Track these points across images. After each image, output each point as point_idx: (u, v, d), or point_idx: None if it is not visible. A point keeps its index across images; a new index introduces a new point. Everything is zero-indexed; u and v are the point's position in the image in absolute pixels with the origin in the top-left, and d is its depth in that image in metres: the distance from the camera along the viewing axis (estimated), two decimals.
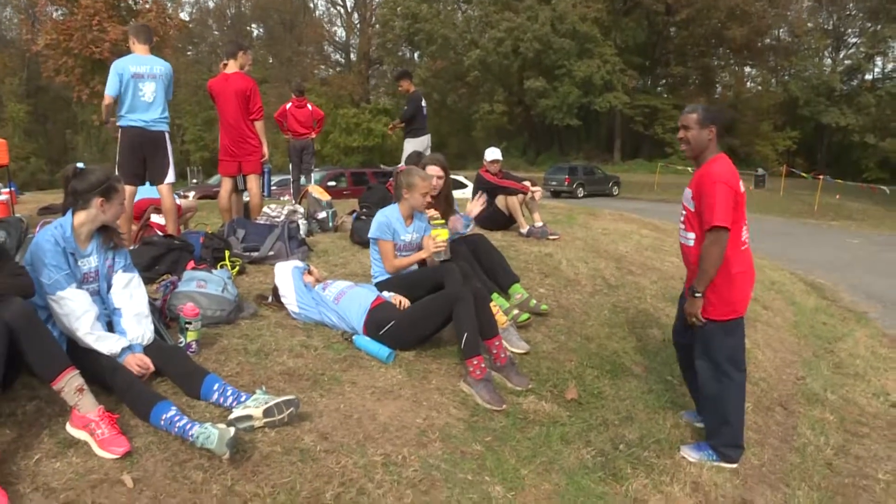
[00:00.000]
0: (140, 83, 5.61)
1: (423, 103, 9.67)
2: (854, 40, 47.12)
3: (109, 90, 5.57)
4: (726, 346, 3.71)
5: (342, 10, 59.91)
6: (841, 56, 47.66)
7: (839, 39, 47.73)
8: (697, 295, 3.59)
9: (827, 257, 13.67)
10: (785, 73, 48.03)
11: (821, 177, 27.34)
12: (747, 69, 51.24)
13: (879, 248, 15.61)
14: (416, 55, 52.44)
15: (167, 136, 5.79)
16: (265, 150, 6.62)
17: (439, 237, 4.41)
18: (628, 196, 31.68)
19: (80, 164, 3.26)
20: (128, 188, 5.32)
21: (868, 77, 45.94)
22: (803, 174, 29.86)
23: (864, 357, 6.53)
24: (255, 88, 6.49)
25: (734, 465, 3.79)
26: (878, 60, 45.81)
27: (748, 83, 52.31)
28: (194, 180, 34.13)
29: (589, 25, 40.51)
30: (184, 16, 44.18)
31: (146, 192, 6.19)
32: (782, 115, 46.50)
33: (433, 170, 5.37)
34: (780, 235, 17.22)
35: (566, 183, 30.77)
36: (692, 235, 3.67)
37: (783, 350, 6.13)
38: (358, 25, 57.72)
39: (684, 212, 3.75)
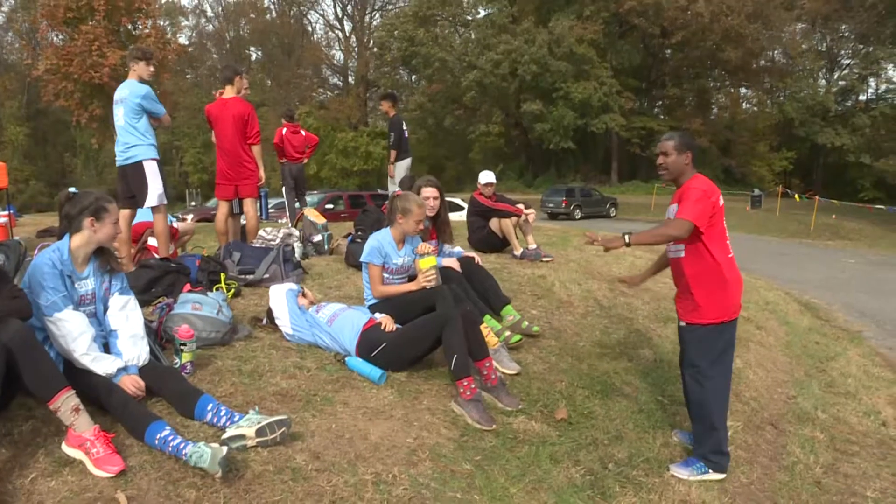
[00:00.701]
0: (115, 108, 5.79)
1: (405, 126, 9.82)
2: (847, 61, 47.67)
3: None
4: (716, 348, 3.87)
5: (340, 34, 60.60)
6: (835, 77, 48.20)
7: (833, 61, 48.26)
8: (626, 238, 3.83)
9: (822, 277, 13.73)
10: (780, 94, 48.54)
11: (815, 197, 27.42)
12: (743, 90, 51.76)
13: (875, 268, 15.69)
14: (413, 78, 52.85)
15: (143, 163, 5.76)
16: (262, 173, 6.70)
17: (427, 266, 4.46)
18: (626, 217, 31.81)
19: (72, 189, 3.35)
20: (123, 212, 5.41)
21: (862, 97, 46.63)
22: (796, 196, 30.01)
23: (857, 376, 6.57)
24: (253, 113, 6.59)
25: (723, 475, 3.88)
26: (872, 81, 46.42)
27: (744, 104, 52.83)
28: (192, 203, 34.29)
29: (585, 48, 40.87)
30: (182, 40, 44.64)
31: (143, 215, 6.26)
32: (778, 135, 46.93)
33: (428, 191, 5.45)
34: (775, 256, 17.32)
35: (563, 205, 30.90)
36: (681, 247, 3.87)
37: (775, 370, 6.18)
38: (356, 49, 58.22)
39: None
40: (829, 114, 43.98)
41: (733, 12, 38.99)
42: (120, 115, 5.75)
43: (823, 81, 48.32)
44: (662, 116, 47.44)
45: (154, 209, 5.82)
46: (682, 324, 3.98)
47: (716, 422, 3.87)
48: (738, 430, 4.54)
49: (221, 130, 6.49)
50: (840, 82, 47.09)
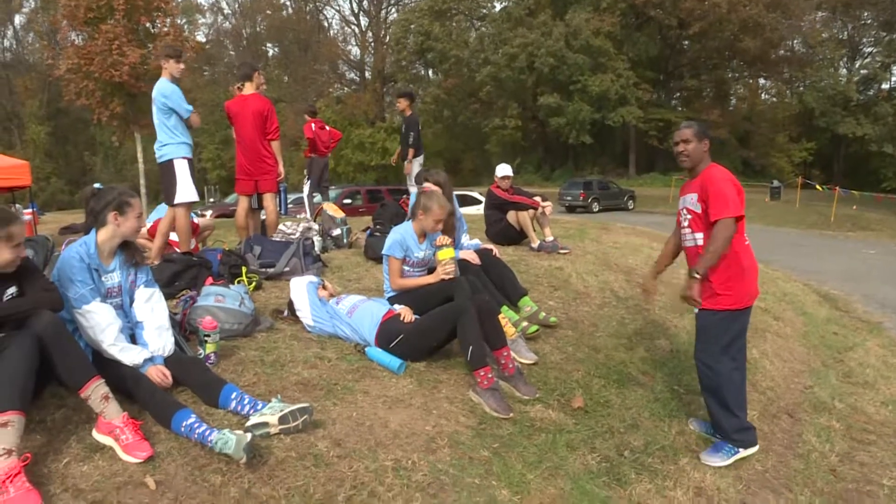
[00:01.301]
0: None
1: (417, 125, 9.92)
2: (869, 50, 47.09)
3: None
4: (730, 332, 3.92)
5: (356, 29, 60.67)
6: (856, 66, 47.68)
7: (854, 49, 47.71)
8: (697, 276, 3.75)
9: (842, 268, 13.64)
10: (800, 84, 47.98)
11: (836, 189, 27.19)
12: (761, 81, 51.24)
13: None
14: (430, 72, 52.89)
15: (173, 161, 5.90)
16: (281, 169, 6.79)
17: (446, 258, 4.53)
18: (644, 210, 31.69)
19: (97, 185, 3.44)
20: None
21: (885, 86, 45.94)
22: (818, 186, 29.74)
23: (875, 366, 6.56)
24: (272, 109, 6.67)
25: (755, 447, 4.06)
26: (895, 69, 45.67)
27: (762, 95, 52.33)
28: (211, 199, 34.53)
29: (602, 40, 40.73)
30: (200, 37, 44.95)
31: (161, 211, 6.38)
32: (798, 126, 46.46)
33: (429, 185, 5.53)
34: (795, 247, 17.22)
35: (581, 198, 30.85)
36: (700, 235, 3.91)
37: (792, 360, 6.19)
38: (372, 44, 58.32)
39: (689, 216, 3.97)
40: (851, 103, 43.46)
41: (751, 1, 38.64)
42: (154, 114, 5.90)
43: (844, 70, 47.81)
44: (680, 108, 47.17)
45: (176, 205, 5.92)
46: (697, 310, 3.96)
47: (733, 407, 3.94)
48: (754, 418, 4.56)
49: (241, 126, 6.58)
50: (862, 71, 46.56)
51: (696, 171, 3.97)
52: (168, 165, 5.90)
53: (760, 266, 10.10)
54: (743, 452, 3.98)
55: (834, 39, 45.85)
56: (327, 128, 11.26)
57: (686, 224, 4.01)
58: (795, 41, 46.07)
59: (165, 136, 5.88)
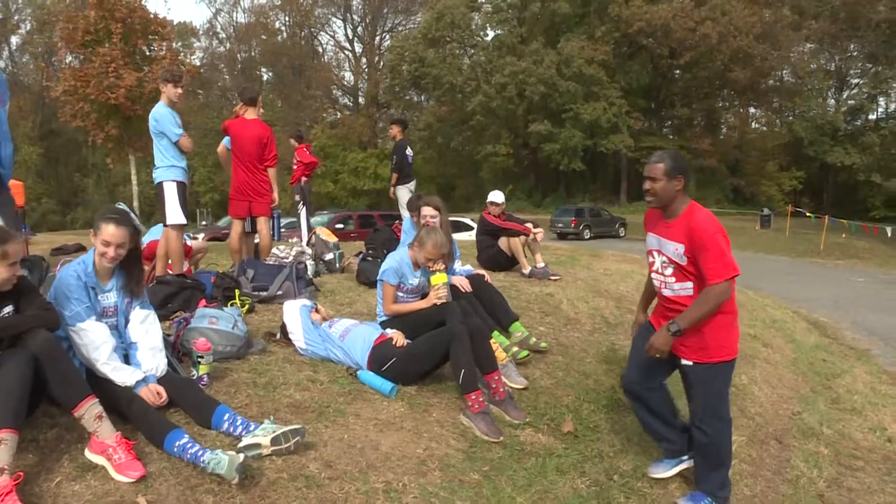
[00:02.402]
0: None
1: (409, 151, 10.00)
2: (856, 81, 47.74)
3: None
4: (725, 386, 3.64)
5: (350, 55, 61.20)
6: (844, 96, 48.29)
7: (842, 80, 48.37)
8: (679, 333, 3.43)
9: (831, 296, 13.76)
10: (789, 113, 48.58)
11: (824, 218, 27.42)
12: (752, 110, 51.91)
13: (885, 287, 15.71)
14: (423, 98, 53.26)
15: (163, 184, 5.92)
16: (276, 195, 6.83)
17: (439, 283, 4.57)
18: (635, 237, 31.79)
19: (119, 204, 3.46)
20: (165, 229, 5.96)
21: (872, 116, 46.56)
22: (808, 214, 29.97)
23: (863, 393, 6.62)
24: (272, 137, 6.73)
25: None
26: (881, 100, 46.44)
27: (753, 124, 52.89)
28: (203, 222, 34.50)
29: (595, 68, 41.18)
30: (195, 61, 45.18)
31: (156, 233, 6.40)
32: (787, 155, 46.95)
33: (426, 210, 5.58)
34: (784, 275, 17.35)
35: (573, 225, 31.01)
36: (690, 285, 3.50)
37: (780, 386, 6.23)
38: (366, 70, 58.75)
39: (671, 265, 3.55)
40: (839, 133, 44.03)
41: (741, 33, 39.20)
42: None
43: (832, 101, 48.43)
44: (671, 136, 47.58)
45: (168, 227, 5.95)
46: (689, 363, 3.58)
47: (724, 458, 3.72)
48: (743, 444, 4.60)
49: (240, 149, 6.60)
50: (849, 101, 47.16)
51: (673, 212, 3.54)
52: (159, 188, 5.94)
53: (750, 293, 10.20)
54: None
55: (822, 70, 46.57)
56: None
57: (668, 273, 3.58)
58: (784, 72, 46.70)
59: (158, 158, 5.93)
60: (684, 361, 3.59)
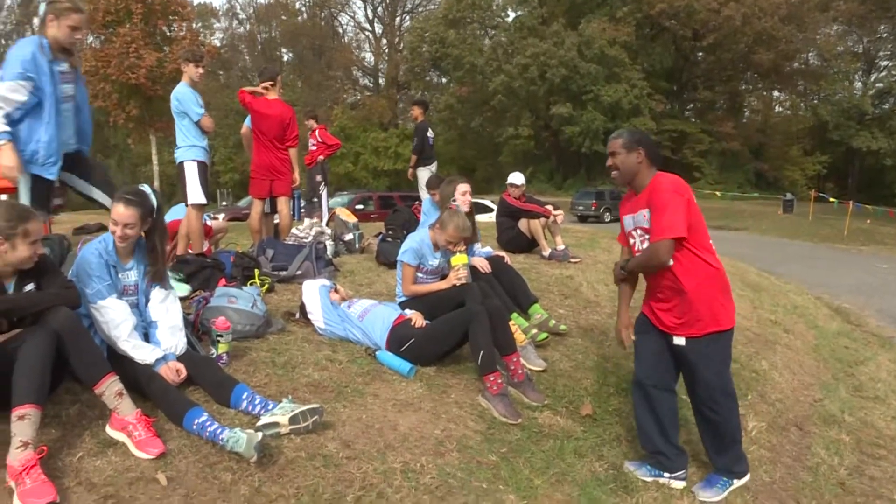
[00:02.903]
0: None
1: (430, 133, 9.94)
2: (885, 63, 46.86)
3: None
4: (726, 358, 3.55)
5: (370, 36, 61.07)
6: (872, 79, 47.44)
7: (870, 63, 47.53)
8: (622, 270, 3.68)
9: (854, 282, 13.59)
10: (814, 97, 47.85)
11: (848, 203, 27.07)
12: (775, 93, 51.16)
13: None
14: (443, 80, 53.04)
15: (184, 164, 5.93)
16: (296, 175, 6.83)
17: (459, 264, 4.57)
18: None
19: (143, 185, 3.46)
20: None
21: None
22: (831, 199, 29.60)
23: (886, 381, 6.53)
24: (294, 117, 6.72)
25: (747, 477, 3.70)
26: None
27: (776, 107, 52.23)
28: (224, 202, 34.69)
29: (616, 50, 40.78)
30: (215, 41, 45.26)
31: (177, 213, 6.42)
32: (811, 139, 46.32)
33: (464, 186, 5.57)
34: (807, 260, 17.13)
35: (593, 207, 30.87)
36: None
37: (801, 372, 6.17)
38: (386, 50, 58.59)
39: (645, 234, 3.45)
40: (866, 117, 43.38)
41: (766, 14, 38.63)
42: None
43: (859, 84, 47.62)
44: (694, 119, 47.11)
45: (189, 207, 5.97)
46: (682, 342, 3.49)
47: (736, 433, 3.63)
48: (763, 430, 4.56)
49: (263, 127, 6.61)
50: (877, 85, 46.34)
51: (639, 185, 3.50)
52: (180, 167, 5.95)
53: (772, 278, 10.10)
54: (737, 483, 3.65)
55: (849, 53, 45.69)
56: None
57: (645, 246, 3.49)
58: (810, 54, 46.00)
59: (179, 138, 5.93)
60: (677, 340, 3.51)
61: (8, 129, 3.69)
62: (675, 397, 3.73)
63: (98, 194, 4.21)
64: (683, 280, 3.39)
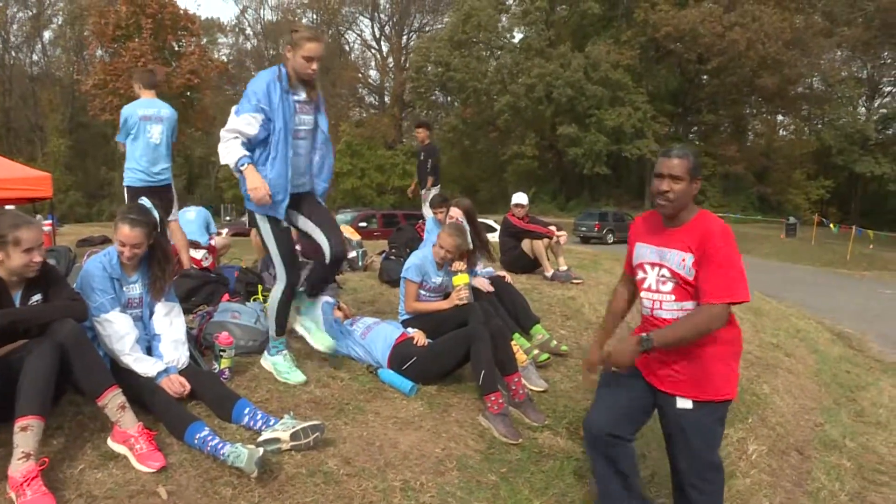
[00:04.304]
0: (148, 125, 5.81)
1: (437, 154, 9.94)
2: (889, 89, 47.06)
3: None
4: (722, 430, 3.03)
5: (377, 54, 61.35)
6: (876, 105, 47.58)
7: (874, 88, 47.71)
8: (649, 347, 2.80)
9: (856, 307, 13.56)
10: (818, 121, 47.96)
11: (849, 228, 27.06)
12: (779, 117, 51.30)
13: None
14: (448, 99, 53.30)
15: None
16: None
17: (461, 283, 4.59)
18: None
19: (142, 200, 3.50)
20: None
21: None
22: (831, 225, 29.57)
23: (888, 406, 6.52)
24: None
25: None
26: None
27: (780, 131, 52.31)
28: (227, 217, 34.78)
29: (621, 73, 40.99)
30: (222, 57, 45.56)
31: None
32: (815, 163, 46.36)
33: (455, 211, 5.58)
34: (809, 285, 17.11)
35: (596, 229, 30.90)
36: (691, 305, 2.86)
37: (802, 397, 6.16)
38: (392, 69, 58.91)
39: (673, 279, 2.89)
40: (869, 142, 43.46)
41: (770, 39, 38.78)
42: (157, 131, 5.89)
43: (863, 109, 47.74)
44: (698, 142, 47.16)
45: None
46: (688, 405, 2.89)
47: None
48: (763, 454, 4.55)
49: None
50: (881, 110, 46.50)
51: (680, 219, 2.91)
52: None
53: (773, 302, 10.09)
54: None
55: (853, 78, 45.82)
56: None
57: (666, 289, 2.93)
58: (814, 79, 46.14)
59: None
60: (682, 403, 2.90)
61: (247, 153, 3.50)
62: (633, 445, 3.21)
63: (318, 234, 3.97)
64: (708, 342, 2.83)
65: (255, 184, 3.44)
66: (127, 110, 5.83)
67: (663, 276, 2.92)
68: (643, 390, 3.06)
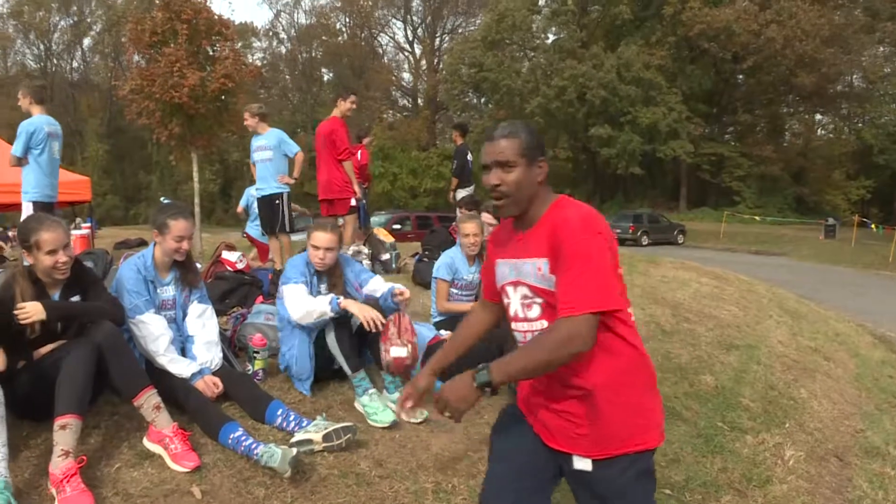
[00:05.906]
0: (53, 141, 5.89)
1: (469, 156, 9.91)
2: None
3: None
4: (653, 485, 2.17)
5: (410, 57, 61.49)
6: None
7: None
8: (487, 384, 1.95)
9: None
10: (858, 120, 46.94)
11: (890, 229, 26.44)
12: (818, 116, 50.22)
13: None
14: (482, 101, 53.24)
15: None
16: (355, 187, 6.91)
17: None
18: (693, 244, 31.23)
19: (164, 199, 3.57)
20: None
21: None
22: (873, 225, 28.93)
23: None
24: (335, 130, 6.77)
25: None
26: None
27: (819, 131, 51.22)
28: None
29: (653, 73, 40.58)
30: (256, 61, 46.06)
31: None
32: (855, 163, 45.35)
33: (468, 227, 5.45)
34: (849, 286, 16.75)
35: (630, 231, 30.59)
36: None
37: (842, 402, 6.03)
38: (425, 71, 59.03)
39: (537, 298, 2.09)
40: None
41: (808, 37, 38.01)
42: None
43: None
44: (733, 143, 46.49)
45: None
46: (587, 466, 2.07)
47: None
48: (801, 459, 4.46)
49: (317, 148, 6.80)
50: None
51: (531, 218, 2.13)
52: None
53: (812, 304, 9.92)
54: None
55: None
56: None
57: (534, 314, 2.12)
58: (854, 76, 45.17)
59: None
60: (578, 464, 2.10)
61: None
62: None
63: None
64: (593, 373, 2.01)
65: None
66: (33, 125, 5.79)
67: (525, 296, 2.14)
68: (534, 446, 2.22)
